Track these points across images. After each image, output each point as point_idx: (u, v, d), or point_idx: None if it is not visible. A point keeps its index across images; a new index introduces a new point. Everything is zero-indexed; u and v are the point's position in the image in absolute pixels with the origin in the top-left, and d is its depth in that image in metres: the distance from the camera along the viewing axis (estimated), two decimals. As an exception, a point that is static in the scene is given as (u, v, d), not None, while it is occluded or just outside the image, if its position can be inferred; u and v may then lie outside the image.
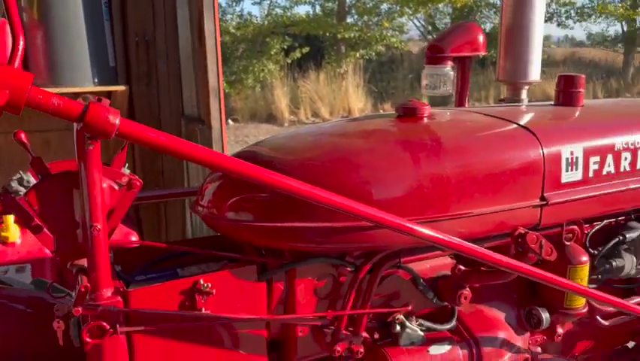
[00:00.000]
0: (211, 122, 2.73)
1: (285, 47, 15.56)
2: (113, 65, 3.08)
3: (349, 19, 17.23)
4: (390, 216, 1.27)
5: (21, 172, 1.56)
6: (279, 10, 17.20)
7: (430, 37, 19.39)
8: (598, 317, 1.82)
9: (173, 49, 3.15)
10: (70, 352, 1.38)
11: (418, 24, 18.99)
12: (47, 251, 2.72)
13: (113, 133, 1.05)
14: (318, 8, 17.76)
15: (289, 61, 15.48)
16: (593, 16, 19.86)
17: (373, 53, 16.59)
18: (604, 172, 1.65)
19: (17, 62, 0.91)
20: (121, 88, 2.99)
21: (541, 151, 1.54)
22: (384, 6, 17.00)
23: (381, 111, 14.12)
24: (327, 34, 16.28)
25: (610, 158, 1.66)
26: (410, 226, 1.29)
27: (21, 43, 0.90)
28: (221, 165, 1.18)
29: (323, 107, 14.12)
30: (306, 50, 15.47)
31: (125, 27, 3.21)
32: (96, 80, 2.94)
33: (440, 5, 17.43)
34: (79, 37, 2.88)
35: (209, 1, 2.67)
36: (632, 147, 1.70)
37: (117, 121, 1.04)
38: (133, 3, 3.21)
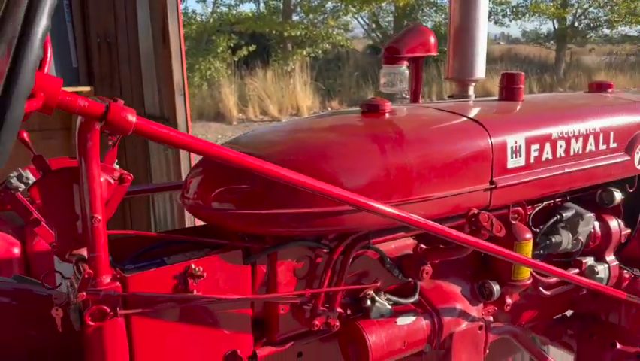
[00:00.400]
0: (177, 120, 2.80)
1: (232, 44, 15.49)
2: (76, 66, 3.10)
3: (295, 17, 17.34)
4: (365, 199, 1.43)
5: (20, 169, 1.63)
6: (224, 8, 17.13)
7: (374, 34, 19.77)
8: (541, 288, 2.04)
9: (135, 49, 3.18)
10: (64, 339, 1.46)
11: (362, 22, 19.34)
12: (15, 251, 2.75)
13: (130, 130, 1.15)
14: (262, 6, 17.78)
15: (236, 59, 15.42)
16: (527, 15, 20.81)
17: (320, 51, 16.77)
18: (543, 158, 1.85)
19: (47, 68, 1.00)
20: (86, 89, 3.01)
21: (489, 141, 1.73)
22: (330, 4, 17.22)
23: (328, 108, 14.32)
24: (274, 32, 16.32)
25: (548, 146, 1.86)
26: (382, 207, 1.44)
27: (49, 50, 1.00)
28: (230, 159, 1.28)
29: (271, 105, 14.18)
30: (252, 48, 15.45)
31: (87, 28, 3.22)
32: (59, 81, 2.94)
33: (383, 4, 17.80)
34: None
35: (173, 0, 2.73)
36: (565, 135, 1.92)
37: (134, 119, 1.14)
38: (93, 4, 3.22)
